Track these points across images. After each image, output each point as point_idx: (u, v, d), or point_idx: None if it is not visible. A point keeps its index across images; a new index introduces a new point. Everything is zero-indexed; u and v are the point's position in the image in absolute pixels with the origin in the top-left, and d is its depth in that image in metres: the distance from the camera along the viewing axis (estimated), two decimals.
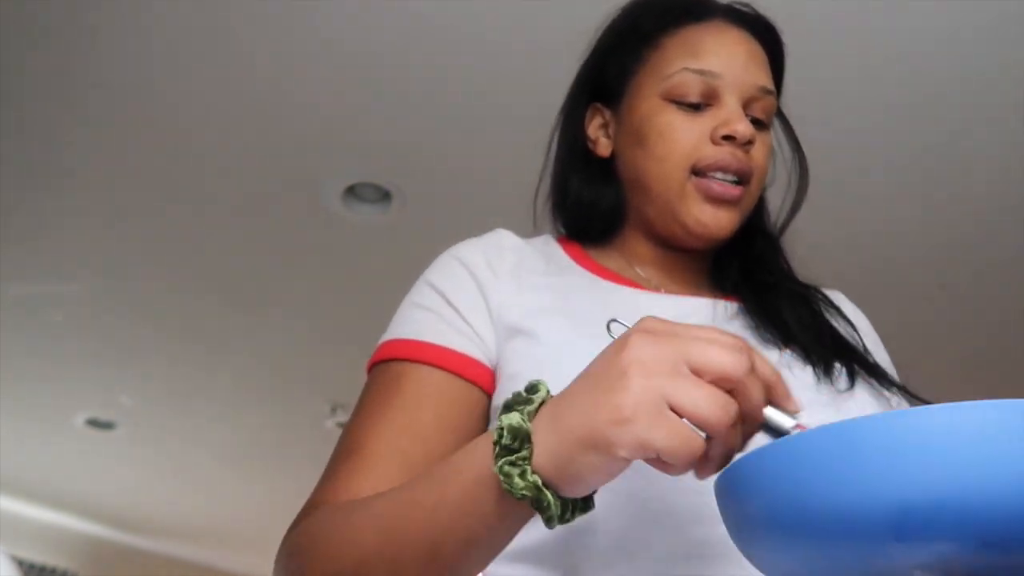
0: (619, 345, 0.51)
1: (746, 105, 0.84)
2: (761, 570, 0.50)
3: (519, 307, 0.80)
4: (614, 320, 0.59)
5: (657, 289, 0.87)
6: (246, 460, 4.68)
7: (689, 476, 0.69)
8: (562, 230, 0.94)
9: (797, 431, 0.49)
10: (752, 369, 0.50)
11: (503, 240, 0.87)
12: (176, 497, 5.30)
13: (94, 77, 2.24)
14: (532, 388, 0.56)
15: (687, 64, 0.83)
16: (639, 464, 0.70)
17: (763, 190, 0.92)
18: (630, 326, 0.54)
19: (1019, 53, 1.94)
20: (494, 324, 0.80)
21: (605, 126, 0.91)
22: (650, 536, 0.69)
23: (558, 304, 0.81)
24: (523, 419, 0.53)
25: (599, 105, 0.91)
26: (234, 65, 2.17)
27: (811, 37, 1.93)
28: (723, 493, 0.50)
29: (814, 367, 0.79)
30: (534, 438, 0.52)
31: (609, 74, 0.90)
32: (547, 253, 0.89)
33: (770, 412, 0.51)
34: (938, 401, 0.83)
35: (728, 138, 0.81)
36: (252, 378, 3.78)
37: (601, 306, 0.82)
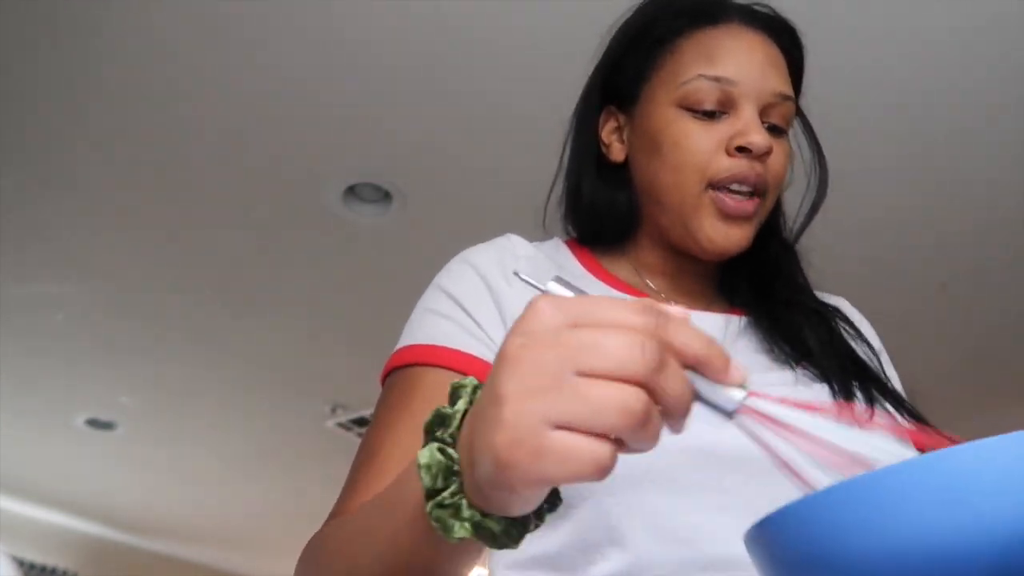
0: (499, 355, 0.42)
1: (763, 112, 0.81)
2: None
3: None
4: (517, 273, 0.50)
5: (667, 302, 0.86)
6: (246, 460, 4.67)
7: (706, 495, 0.68)
8: (573, 233, 0.93)
9: (740, 415, 0.43)
10: (662, 362, 0.40)
11: (515, 247, 0.86)
12: (176, 497, 5.30)
13: (94, 78, 2.24)
14: (454, 394, 0.48)
15: (702, 71, 0.81)
16: (655, 473, 0.70)
17: (779, 195, 0.90)
18: (532, 282, 0.47)
19: (1020, 52, 1.94)
20: (506, 328, 0.78)
21: (619, 130, 0.89)
22: (668, 551, 0.69)
23: None
24: (441, 449, 0.46)
25: (613, 108, 0.89)
26: (234, 65, 2.17)
27: (813, 34, 1.93)
28: (751, 546, 0.46)
29: (832, 389, 0.78)
30: (462, 466, 0.45)
31: (623, 77, 0.88)
32: (558, 260, 0.88)
33: (708, 388, 0.43)
34: (941, 412, 0.83)
35: (743, 149, 0.79)
36: (252, 378, 3.78)
37: None
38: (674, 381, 0.41)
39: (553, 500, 0.48)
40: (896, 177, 2.33)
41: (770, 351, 0.82)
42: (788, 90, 0.83)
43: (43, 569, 5.72)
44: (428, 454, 0.46)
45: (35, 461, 4.99)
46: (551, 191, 0.93)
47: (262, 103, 2.28)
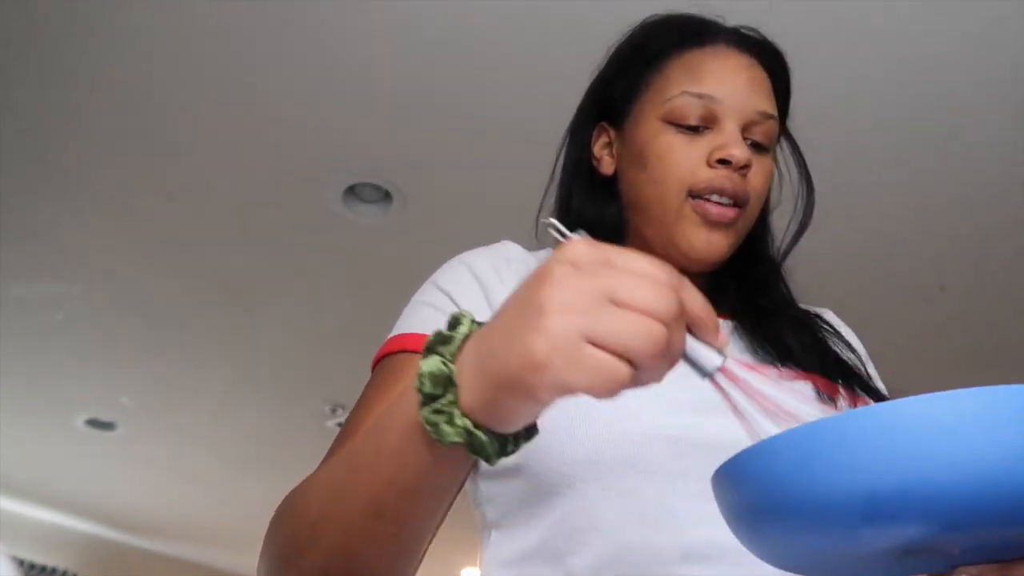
0: (540, 278, 0.47)
1: (745, 129, 0.84)
2: (757, 556, 0.51)
3: None
4: (550, 221, 0.57)
5: None
6: (246, 460, 4.68)
7: (687, 483, 0.69)
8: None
9: (719, 374, 0.49)
10: (680, 312, 0.47)
11: (509, 251, 0.89)
12: (176, 497, 5.30)
13: (94, 78, 2.24)
14: (454, 322, 0.53)
15: (687, 88, 0.84)
16: (637, 461, 0.71)
17: (766, 215, 0.93)
18: (564, 229, 0.53)
19: (1017, 54, 1.95)
20: None
21: (609, 145, 0.92)
22: (650, 536, 0.70)
23: None
24: (444, 362, 0.51)
25: (605, 124, 0.93)
26: (234, 65, 2.17)
27: (810, 41, 1.93)
28: (717, 486, 0.51)
29: (816, 387, 0.80)
30: (458, 380, 0.50)
31: (615, 95, 0.92)
32: None
33: (694, 347, 0.49)
34: None
35: (724, 162, 0.82)
36: (252, 378, 3.78)
37: None
38: (680, 332, 0.47)
39: (530, 430, 0.53)
40: (894, 183, 2.33)
41: (755, 352, 0.85)
42: (771, 109, 0.86)
43: (43, 569, 5.72)
44: (432, 363, 0.51)
45: (35, 461, 4.99)
46: (542, 202, 0.96)
47: (262, 103, 2.28)
